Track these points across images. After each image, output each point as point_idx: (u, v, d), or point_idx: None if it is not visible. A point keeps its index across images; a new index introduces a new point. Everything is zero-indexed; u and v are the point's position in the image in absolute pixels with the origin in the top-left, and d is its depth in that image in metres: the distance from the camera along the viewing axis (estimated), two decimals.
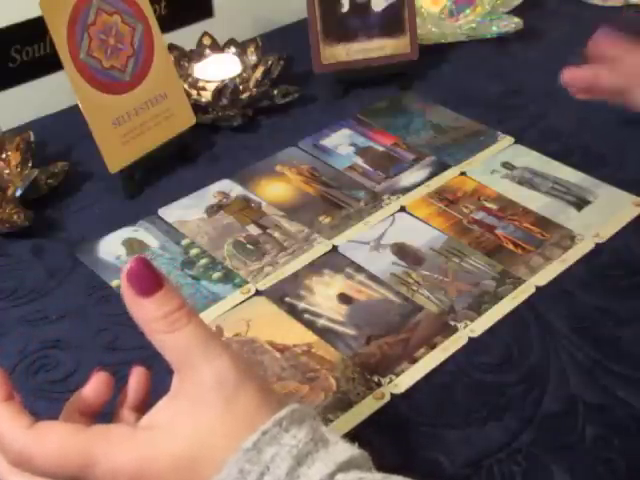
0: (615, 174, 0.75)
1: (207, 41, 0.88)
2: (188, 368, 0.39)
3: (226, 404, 0.38)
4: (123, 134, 0.72)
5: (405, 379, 0.56)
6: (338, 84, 0.88)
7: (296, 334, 0.59)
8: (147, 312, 0.39)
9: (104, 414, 0.44)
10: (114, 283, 0.64)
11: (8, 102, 0.84)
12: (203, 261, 0.66)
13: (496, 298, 0.62)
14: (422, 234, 0.69)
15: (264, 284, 0.64)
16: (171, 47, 0.86)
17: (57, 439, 0.38)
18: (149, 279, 0.39)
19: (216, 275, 0.65)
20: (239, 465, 0.37)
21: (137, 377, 0.45)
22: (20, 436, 0.39)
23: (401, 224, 0.70)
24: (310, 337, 0.59)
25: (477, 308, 0.61)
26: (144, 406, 0.44)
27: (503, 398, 0.54)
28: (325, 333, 0.59)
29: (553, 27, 1.01)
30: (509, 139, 0.80)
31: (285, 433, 0.38)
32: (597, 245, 0.67)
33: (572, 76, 0.64)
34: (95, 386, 0.44)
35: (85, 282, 0.65)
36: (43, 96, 0.85)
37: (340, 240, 0.68)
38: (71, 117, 0.74)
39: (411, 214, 0.71)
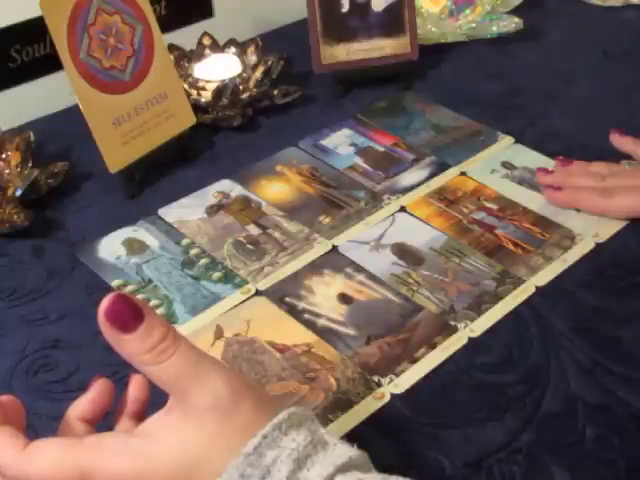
0: None
1: (207, 41, 0.88)
2: (181, 393, 0.38)
3: (222, 422, 0.38)
4: (123, 134, 0.72)
5: (405, 379, 0.56)
6: (338, 84, 0.88)
7: (296, 334, 0.59)
8: (132, 348, 0.38)
9: (106, 412, 0.44)
10: (114, 283, 0.64)
11: (8, 102, 0.84)
12: (203, 261, 0.66)
13: (496, 298, 0.62)
14: (422, 234, 0.69)
15: (264, 284, 0.64)
16: (171, 47, 0.86)
17: (51, 457, 0.38)
18: (128, 314, 0.38)
19: (216, 275, 0.65)
20: (240, 469, 0.37)
21: (135, 386, 0.44)
22: (14, 460, 0.38)
23: (401, 224, 0.70)
24: (310, 337, 0.59)
25: (477, 308, 0.61)
26: (143, 414, 0.44)
27: (503, 398, 0.54)
28: (325, 333, 0.59)
29: (553, 27, 1.01)
30: (509, 139, 0.80)
31: (284, 436, 0.38)
32: (597, 245, 0.67)
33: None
34: (95, 394, 0.43)
35: (85, 282, 0.65)
36: (43, 96, 0.85)
37: (340, 240, 0.68)
38: (71, 117, 0.74)
39: (411, 214, 0.71)
